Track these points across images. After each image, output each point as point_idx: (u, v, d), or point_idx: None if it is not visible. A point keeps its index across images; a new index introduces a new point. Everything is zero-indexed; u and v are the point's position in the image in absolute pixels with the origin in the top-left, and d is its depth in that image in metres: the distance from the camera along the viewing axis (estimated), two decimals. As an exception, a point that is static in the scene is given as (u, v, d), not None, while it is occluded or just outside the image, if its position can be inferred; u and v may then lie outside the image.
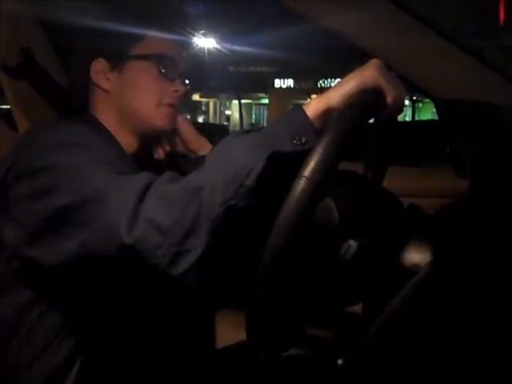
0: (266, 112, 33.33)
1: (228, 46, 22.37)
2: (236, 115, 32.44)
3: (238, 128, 27.84)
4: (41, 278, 1.18)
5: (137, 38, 1.36)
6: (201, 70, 23.96)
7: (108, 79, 1.34)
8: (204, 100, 36.28)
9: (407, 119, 23.04)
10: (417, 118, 24.14)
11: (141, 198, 1.02)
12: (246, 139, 1.01)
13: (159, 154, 1.48)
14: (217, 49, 23.27)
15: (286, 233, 0.89)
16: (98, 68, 1.34)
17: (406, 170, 1.71)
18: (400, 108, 1.04)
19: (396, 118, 1.12)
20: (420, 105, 24.89)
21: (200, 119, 35.19)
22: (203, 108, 36.85)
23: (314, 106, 1.01)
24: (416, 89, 1.61)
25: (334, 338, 1.50)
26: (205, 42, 23.37)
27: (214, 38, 22.80)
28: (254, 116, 34.83)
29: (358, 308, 1.18)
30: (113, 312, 1.23)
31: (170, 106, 1.37)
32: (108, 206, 1.04)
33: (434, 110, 1.70)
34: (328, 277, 1.07)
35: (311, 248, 1.02)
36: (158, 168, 1.40)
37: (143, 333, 1.27)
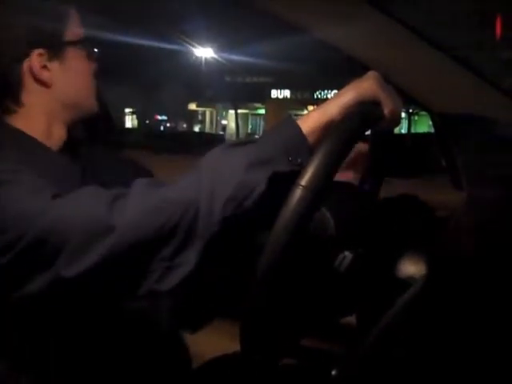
0: (262, 122, 33.35)
1: (225, 55, 22.40)
2: (232, 125, 32.44)
3: (234, 138, 27.84)
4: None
5: (66, 24, 1.25)
6: (198, 79, 24.00)
7: (48, 70, 1.22)
8: (200, 109, 36.30)
9: (403, 131, 23.08)
10: (413, 131, 24.17)
11: (110, 211, 0.95)
12: (241, 154, 0.97)
13: None
14: (214, 58, 23.29)
15: (283, 241, 0.89)
16: (38, 59, 1.21)
17: (402, 181, 1.71)
18: (397, 120, 1.04)
19: (393, 130, 1.12)
20: (416, 117, 24.92)
21: (196, 128, 35.20)
22: (199, 117, 36.86)
23: (310, 119, 0.99)
24: (412, 101, 1.61)
25: (328, 349, 1.50)
26: (202, 52, 23.40)
27: (212, 47, 22.83)
28: (250, 126, 34.84)
29: (352, 319, 1.18)
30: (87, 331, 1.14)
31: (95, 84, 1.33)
32: (72, 233, 0.95)
33: (430, 122, 1.71)
34: (322, 287, 1.07)
35: (306, 258, 1.02)
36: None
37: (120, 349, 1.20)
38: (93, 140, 1.83)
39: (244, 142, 1.00)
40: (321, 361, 1.45)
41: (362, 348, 1.03)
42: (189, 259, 0.94)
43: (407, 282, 1.04)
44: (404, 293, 1.02)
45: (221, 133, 32.16)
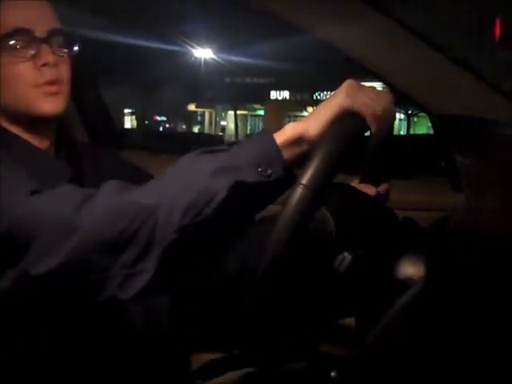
0: (261, 123, 33.35)
1: (225, 56, 22.41)
2: (231, 126, 32.45)
3: (233, 139, 27.85)
4: None
5: None
6: (197, 80, 24.01)
7: None
8: (199, 110, 36.29)
9: (402, 133, 23.07)
10: (412, 132, 24.16)
11: (77, 211, 0.93)
12: (209, 161, 0.95)
13: None
14: (213, 59, 23.29)
15: (284, 240, 0.89)
16: None
17: (401, 183, 1.71)
18: (384, 121, 1.02)
19: (390, 132, 1.12)
20: (415, 119, 24.92)
21: (195, 129, 35.19)
22: (199, 118, 36.85)
23: (287, 133, 0.96)
24: (411, 103, 1.61)
25: (327, 350, 1.50)
26: (201, 53, 23.40)
27: (211, 48, 22.84)
28: (249, 127, 34.85)
29: (351, 320, 1.18)
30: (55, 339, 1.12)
31: (50, 83, 1.16)
32: (39, 229, 0.93)
33: (430, 124, 1.71)
34: (322, 288, 1.07)
35: (306, 258, 1.02)
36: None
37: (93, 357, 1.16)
38: (93, 141, 1.83)
39: (216, 149, 0.98)
40: (320, 362, 1.45)
41: (361, 349, 1.03)
42: (148, 267, 0.92)
43: (406, 283, 1.04)
44: (403, 294, 1.02)
45: (220, 134, 32.13)
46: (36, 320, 1.08)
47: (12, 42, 1.14)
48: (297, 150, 0.96)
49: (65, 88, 1.20)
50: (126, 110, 32.46)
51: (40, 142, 1.21)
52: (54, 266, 0.92)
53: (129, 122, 32.84)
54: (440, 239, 1.28)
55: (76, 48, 1.23)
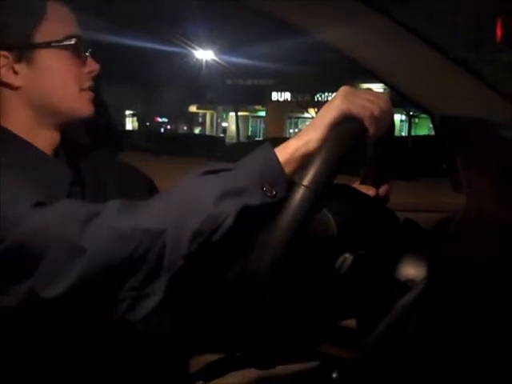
0: (262, 125, 33.36)
1: (226, 58, 22.45)
2: (233, 127, 32.46)
3: (234, 140, 27.86)
4: None
5: (37, 22, 1.16)
6: (198, 81, 24.04)
7: (16, 73, 1.16)
8: (201, 112, 36.31)
9: (403, 134, 23.08)
10: (413, 134, 24.17)
11: (83, 231, 0.92)
12: (214, 183, 0.94)
13: None
14: (215, 61, 23.33)
15: (285, 241, 0.90)
16: (3, 61, 1.15)
17: (402, 184, 1.71)
18: (384, 124, 1.03)
19: (392, 133, 1.12)
20: (416, 120, 24.92)
21: (196, 131, 35.21)
22: (200, 120, 36.86)
23: (290, 149, 0.97)
24: (412, 104, 1.61)
25: (328, 352, 1.50)
26: (203, 54, 23.44)
27: (212, 49, 22.87)
28: (250, 128, 34.87)
29: (352, 322, 1.18)
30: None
31: (90, 89, 1.24)
32: (46, 248, 0.92)
33: (431, 125, 1.71)
34: (323, 289, 1.07)
35: (307, 260, 1.02)
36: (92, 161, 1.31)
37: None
38: (94, 143, 1.83)
39: (219, 169, 0.97)
40: (321, 363, 1.45)
41: (362, 351, 1.03)
42: (157, 289, 0.92)
43: (407, 284, 1.04)
44: (404, 296, 1.02)
45: (221, 135, 32.14)
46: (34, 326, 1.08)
47: (66, 46, 1.19)
48: (300, 164, 0.97)
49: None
50: (128, 112, 32.49)
51: (45, 146, 1.21)
52: (63, 289, 0.91)
53: (130, 124, 32.87)
54: (441, 241, 1.28)
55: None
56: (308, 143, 0.97)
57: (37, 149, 1.19)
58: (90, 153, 1.34)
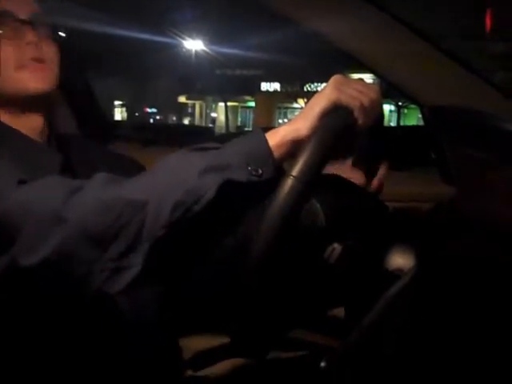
0: (252, 115, 33.34)
1: (215, 48, 22.40)
2: (222, 118, 32.45)
3: (223, 131, 27.85)
4: None
5: None
6: (188, 72, 23.98)
7: None
8: (190, 102, 36.25)
9: (392, 125, 23.13)
10: (402, 124, 24.23)
11: (67, 203, 0.92)
12: (199, 158, 0.95)
13: None
14: (204, 51, 23.28)
15: (274, 231, 0.90)
16: None
17: (391, 174, 1.72)
18: (374, 114, 1.03)
19: (381, 122, 1.12)
20: (405, 110, 24.98)
21: (186, 121, 35.16)
22: (189, 110, 36.81)
23: (279, 134, 0.97)
24: (401, 94, 1.62)
25: (316, 341, 1.50)
26: (192, 44, 23.38)
27: (202, 40, 22.82)
28: (239, 119, 34.83)
29: (340, 311, 1.18)
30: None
31: (35, 60, 1.17)
32: (28, 219, 0.93)
33: (420, 115, 1.71)
34: (311, 279, 1.07)
35: (296, 250, 1.02)
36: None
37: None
38: (86, 133, 1.82)
39: (207, 146, 0.98)
40: (309, 353, 1.45)
41: (350, 340, 1.03)
42: (136, 261, 0.92)
43: (396, 274, 1.04)
44: (393, 285, 1.02)
45: (210, 125, 32.10)
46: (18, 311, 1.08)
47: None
48: (289, 150, 0.97)
49: (51, 68, 1.20)
50: (117, 102, 32.40)
51: (32, 132, 1.21)
52: (43, 256, 0.91)
53: (119, 114, 32.78)
54: (430, 230, 1.29)
55: (61, 34, 1.24)
56: (298, 130, 0.97)
57: (22, 134, 1.19)
58: (83, 142, 1.35)
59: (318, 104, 0.99)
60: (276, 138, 0.97)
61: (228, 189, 0.92)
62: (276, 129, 0.99)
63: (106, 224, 0.91)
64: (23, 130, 1.20)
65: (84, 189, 0.95)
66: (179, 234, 0.93)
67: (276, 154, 0.96)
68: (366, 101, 1.01)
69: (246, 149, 0.96)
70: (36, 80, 1.18)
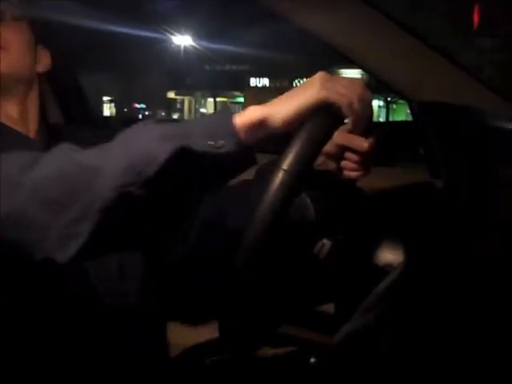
0: (241, 110, 33.33)
1: (204, 43, 22.36)
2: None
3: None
4: None
5: None
6: (176, 67, 23.93)
7: None
8: (179, 98, 36.19)
9: (381, 120, 23.17)
10: (391, 119, 24.29)
11: (25, 170, 0.92)
12: (158, 127, 0.93)
13: None
14: (193, 46, 23.23)
15: (264, 225, 0.89)
16: None
17: (380, 170, 1.72)
18: (363, 109, 1.01)
19: (370, 118, 1.12)
20: (394, 106, 25.03)
21: (175, 117, 35.09)
22: (178, 106, 36.72)
23: (248, 114, 0.95)
24: (390, 89, 1.62)
25: (306, 337, 1.50)
26: (181, 40, 23.34)
27: (190, 35, 22.78)
28: (229, 114, 34.70)
29: (330, 307, 1.19)
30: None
31: None
32: None
33: (408, 111, 1.71)
34: (301, 275, 1.07)
35: (286, 244, 1.02)
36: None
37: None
38: (68, 122, 1.81)
39: (170, 120, 0.96)
40: (299, 348, 1.46)
41: (340, 336, 1.03)
42: (86, 229, 0.89)
43: (385, 269, 1.04)
44: (382, 280, 1.02)
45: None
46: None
47: None
48: (258, 133, 0.95)
49: (8, 51, 1.20)
50: (105, 98, 32.29)
51: (8, 120, 1.22)
52: (4, 211, 0.90)
53: (107, 110, 32.67)
54: (418, 226, 1.29)
55: (24, 14, 1.24)
56: (270, 118, 0.95)
57: (19, 133, 1.21)
58: (76, 132, 1.34)
59: (303, 98, 0.97)
60: (244, 117, 0.94)
61: (185, 159, 0.89)
62: (251, 107, 0.97)
63: (59, 189, 0.90)
64: (3, 119, 1.20)
65: (44, 157, 0.94)
66: (133, 202, 0.89)
67: (244, 134, 0.93)
68: (354, 97, 1.00)
69: (209, 122, 0.94)
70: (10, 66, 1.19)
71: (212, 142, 0.90)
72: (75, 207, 0.89)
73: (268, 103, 0.98)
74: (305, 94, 0.97)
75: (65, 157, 0.93)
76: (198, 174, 0.92)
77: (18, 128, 1.23)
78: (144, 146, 0.89)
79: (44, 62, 1.33)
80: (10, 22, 1.22)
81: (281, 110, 0.96)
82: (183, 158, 0.88)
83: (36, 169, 0.92)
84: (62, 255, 0.91)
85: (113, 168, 0.88)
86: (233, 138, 0.92)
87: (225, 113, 0.97)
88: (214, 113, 0.99)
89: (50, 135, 1.28)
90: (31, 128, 1.26)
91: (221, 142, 0.91)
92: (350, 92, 1.00)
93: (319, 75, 1.00)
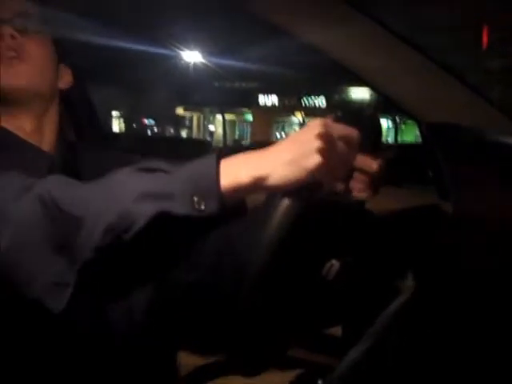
0: (249, 128, 33.41)
1: (214, 59, 22.46)
2: (219, 131, 32.45)
3: (221, 144, 27.87)
4: None
5: None
6: (185, 83, 24.03)
7: None
8: (188, 114, 36.28)
9: (390, 141, 23.18)
10: (399, 140, 24.27)
11: (15, 199, 0.90)
12: (142, 182, 0.88)
13: None
14: (202, 63, 23.33)
15: (269, 250, 0.89)
16: None
17: (389, 190, 1.72)
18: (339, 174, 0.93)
19: (378, 140, 1.11)
20: (403, 126, 25.04)
21: (183, 134, 35.15)
22: (187, 123, 36.80)
23: (237, 177, 0.87)
24: (399, 109, 1.61)
25: (313, 359, 1.49)
26: (190, 56, 23.45)
27: (200, 51, 22.88)
28: (237, 132, 34.88)
29: (338, 329, 1.18)
30: None
31: (7, 49, 1.19)
32: None
33: (417, 132, 1.71)
34: (310, 296, 1.07)
35: (294, 266, 1.02)
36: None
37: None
38: (79, 138, 1.82)
39: (156, 168, 0.90)
40: (306, 371, 1.45)
41: (347, 358, 1.02)
42: (70, 280, 0.88)
43: (394, 292, 1.04)
44: (390, 303, 1.02)
45: (208, 139, 32.06)
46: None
47: None
48: (248, 193, 0.89)
49: (29, 64, 1.21)
50: (114, 113, 32.41)
51: (23, 133, 1.22)
52: None
53: (117, 126, 32.77)
54: (427, 248, 1.28)
55: (45, 29, 1.25)
56: (267, 179, 0.88)
57: (10, 133, 1.20)
58: (92, 149, 1.35)
59: (298, 168, 0.87)
60: (232, 178, 0.88)
61: (164, 220, 0.85)
62: (236, 160, 0.90)
63: (43, 234, 0.89)
64: (15, 131, 1.20)
65: (34, 188, 0.91)
66: (111, 256, 0.88)
67: (228, 192, 0.87)
68: (342, 171, 0.93)
69: (193, 178, 0.88)
70: (11, 74, 1.18)
71: (195, 206, 0.85)
72: (60, 258, 0.88)
73: (259, 156, 0.90)
74: (301, 161, 0.88)
75: (53, 194, 0.90)
76: (181, 229, 0.89)
77: (32, 140, 1.23)
78: (124, 205, 0.86)
79: (66, 79, 1.33)
80: (33, 36, 1.22)
81: (278, 173, 0.88)
82: (163, 220, 0.85)
83: (24, 199, 0.90)
84: (53, 304, 0.89)
85: (93, 224, 0.86)
86: (217, 200, 0.86)
87: (212, 168, 0.88)
88: (203, 161, 0.90)
89: (67, 152, 1.28)
90: (46, 142, 1.26)
91: (204, 206, 0.86)
92: (342, 165, 0.93)
93: (318, 132, 0.89)
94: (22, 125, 1.22)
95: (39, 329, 1.07)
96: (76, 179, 0.99)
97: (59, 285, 0.88)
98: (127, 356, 1.20)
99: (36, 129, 1.24)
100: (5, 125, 1.20)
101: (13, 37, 1.19)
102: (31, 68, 1.21)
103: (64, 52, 1.32)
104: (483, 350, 1.01)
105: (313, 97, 26.39)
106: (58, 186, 0.92)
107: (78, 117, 2.05)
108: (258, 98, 29.85)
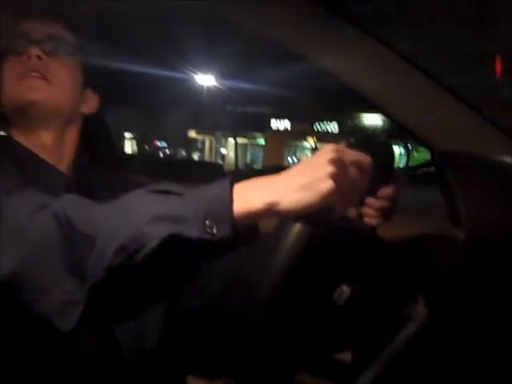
0: (261, 152, 33.45)
1: (227, 83, 22.55)
2: (231, 154, 32.52)
3: (233, 168, 27.91)
4: None
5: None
6: (198, 106, 24.13)
7: None
8: (200, 138, 36.36)
9: (401, 167, 23.10)
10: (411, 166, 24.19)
11: (31, 217, 0.92)
12: (156, 204, 0.89)
13: None
14: (215, 86, 23.44)
15: (278, 276, 0.89)
16: None
17: (401, 217, 1.71)
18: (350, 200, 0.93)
19: (391, 166, 1.11)
20: (415, 153, 25.03)
21: (195, 156, 35.22)
22: (199, 146, 36.87)
23: (250, 203, 0.88)
24: (411, 137, 1.61)
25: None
26: (203, 79, 23.56)
27: (213, 75, 22.99)
28: (249, 156, 34.91)
29: (347, 355, 1.17)
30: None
31: (35, 72, 1.25)
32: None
33: (429, 158, 1.70)
34: (320, 321, 1.06)
35: (305, 291, 1.01)
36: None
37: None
38: (93, 160, 1.83)
39: (169, 190, 0.92)
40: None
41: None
42: (81, 298, 0.88)
43: (405, 319, 1.03)
44: (401, 330, 1.01)
45: (220, 162, 32.09)
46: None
47: (12, 45, 1.25)
48: (260, 218, 0.90)
49: (53, 82, 1.26)
50: (127, 135, 32.54)
51: (42, 150, 1.25)
52: (10, 267, 0.90)
53: (129, 147, 32.89)
54: (439, 275, 1.28)
55: (72, 52, 1.30)
56: (278, 204, 0.88)
57: (30, 151, 1.24)
58: (105, 175, 1.37)
59: (311, 193, 0.88)
60: (246, 204, 0.88)
61: (175, 242, 0.85)
62: (249, 187, 0.90)
63: (56, 252, 0.89)
64: (34, 149, 1.24)
65: (48, 208, 0.93)
66: (122, 277, 0.89)
67: (240, 218, 0.88)
68: (354, 194, 0.93)
69: (206, 203, 0.88)
70: (31, 89, 1.24)
71: (207, 229, 0.86)
72: (71, 276, 0.89)
73: (271, 181, 0.91)
74: (314, 186, 0.88)
75: (67, 213, 0.91)
76: (186, 256, 0.89)
77: (49, 159, 1.26)
78: (137, 226, 0.86)
79: (90, 105, 1.37)
80: (60, 58, 1.28)
81: (289, 198, 0.88)
82: (175, 243, 0.85)
83: (38, 221, 0.91)
84: (62, 322, 0.89)
85: (106, 244, 0.87)
86: (229, 225, 0.87)
87: (223, 189, 0.89)
88: (214, 185, 0.91)
89: (82, 173, 1.29)
90: (64, 162, 1.28)
91: (216, 230, 0.86)
92: (354, 190, 0.93)
93: (331, 158, 0.90)
94: (41, 140, 1.26)
95: (47, 346, 1.07)
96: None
97: (69, 303, 0.89)
98: (135, 378, 1.20)
99: (55, 147, 1.28)
100: (25, 139, 1.24)
101: (39, 57, 1.25)
102: (52, 87, 1.25)
103: (91, 77, 1.36)
104: (497, 379, 1.00)
105: (325, 122, 26.43)
106: (73, 206, 0.93)
107: (94, 138, 2.06)
108: (270, 122, 29.90)
